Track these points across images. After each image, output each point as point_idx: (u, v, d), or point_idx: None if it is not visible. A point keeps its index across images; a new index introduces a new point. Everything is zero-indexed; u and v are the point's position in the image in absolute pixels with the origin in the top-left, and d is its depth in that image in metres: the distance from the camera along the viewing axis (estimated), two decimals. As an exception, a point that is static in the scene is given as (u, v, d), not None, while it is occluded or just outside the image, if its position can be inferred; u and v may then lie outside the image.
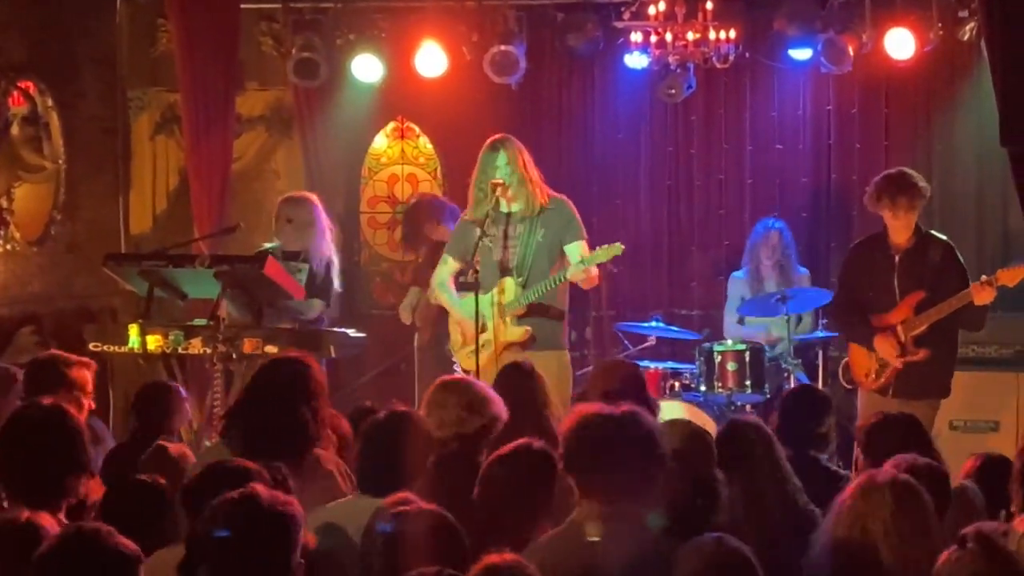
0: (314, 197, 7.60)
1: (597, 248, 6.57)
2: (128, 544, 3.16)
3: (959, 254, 6.68)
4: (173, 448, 5.01)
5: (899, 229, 6.60)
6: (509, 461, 4.05)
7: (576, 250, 6.59)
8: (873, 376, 6.63)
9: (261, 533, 3.11)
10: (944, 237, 6.73)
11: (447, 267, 6.87)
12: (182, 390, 6.04)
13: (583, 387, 4.94)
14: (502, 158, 6.58)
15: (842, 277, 6.97)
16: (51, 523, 3.58)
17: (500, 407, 4.75)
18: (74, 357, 5.66)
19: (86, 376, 5.57)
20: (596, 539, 3.53)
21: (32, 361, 5.87)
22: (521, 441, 4.12)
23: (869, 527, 3.42)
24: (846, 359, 6.96)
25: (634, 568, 3.45)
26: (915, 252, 6.60)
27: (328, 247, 7.45)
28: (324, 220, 7.48)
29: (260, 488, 3.21)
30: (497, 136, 6.72)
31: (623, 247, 6.53)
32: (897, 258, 6.61)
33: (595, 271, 6.58)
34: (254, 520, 3.11)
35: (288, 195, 7.71)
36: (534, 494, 3.99)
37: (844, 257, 7.18)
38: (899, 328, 6.53)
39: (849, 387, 6.94)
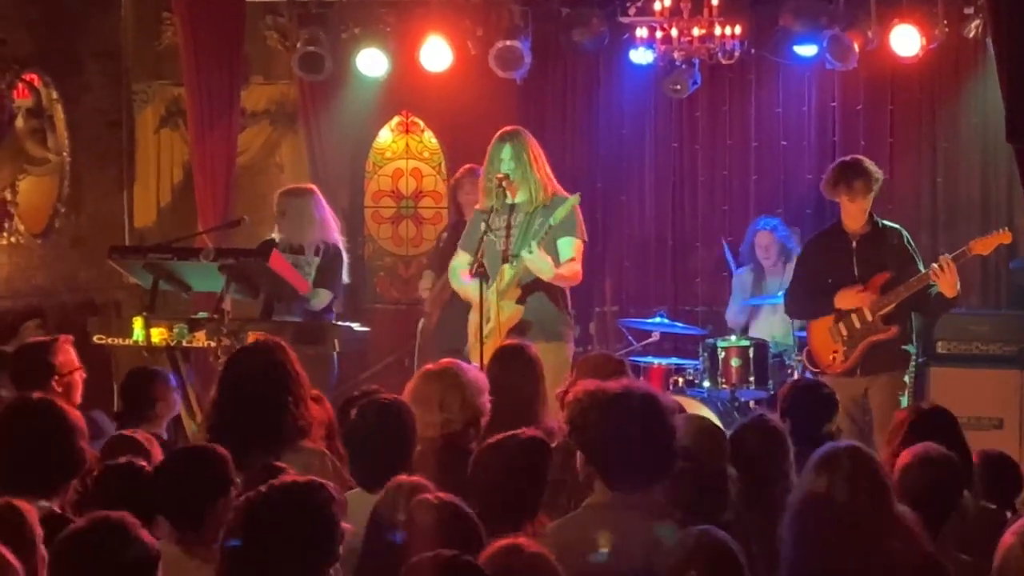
0: (312, 188, 7.52)
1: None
2: (151, 540, 3.14)
3: (911, 238, 6.84)
4: (141, 436, 4.96)
5: (855, 215, 6.72)
6: (500, 449, 3.95)
7: (566, 245, 6.52)
8: (841, 356, 6.69)
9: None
10: (896, 225, 6.86)
11: (459, 260, 6.85)
12: (171, 378, 5.98)
13: (566, 384, 4.87)
14: (507, 151, 6.58)
15: (799, 268, 7.08)
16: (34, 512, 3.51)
17: (485, 399, 4.71)
18: (51, 340, 5.54)
19: (70, 354, 5.47)
20: (605, 531, 3.51)
21: (16, 353, 5.77)
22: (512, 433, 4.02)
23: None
24: (807, 347, 6.97)
25: (644, 556, 3.44)
26: (872, 237, 6.74)
27: (332, 236, 7.34)
28: (324, 210, 7.38)
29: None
30: (508, 128, 6.70)
31: (580, 195, 6.50)
32: (855, 243, 6.73)
33: (576, 268, 6.47)
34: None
35: (285, 188, 7.63)
36: (523, 485, 3.86)
37: (800, 250, 7.32)
38: (865, 309, 6.64)
39: (816, 371, 6.89)
